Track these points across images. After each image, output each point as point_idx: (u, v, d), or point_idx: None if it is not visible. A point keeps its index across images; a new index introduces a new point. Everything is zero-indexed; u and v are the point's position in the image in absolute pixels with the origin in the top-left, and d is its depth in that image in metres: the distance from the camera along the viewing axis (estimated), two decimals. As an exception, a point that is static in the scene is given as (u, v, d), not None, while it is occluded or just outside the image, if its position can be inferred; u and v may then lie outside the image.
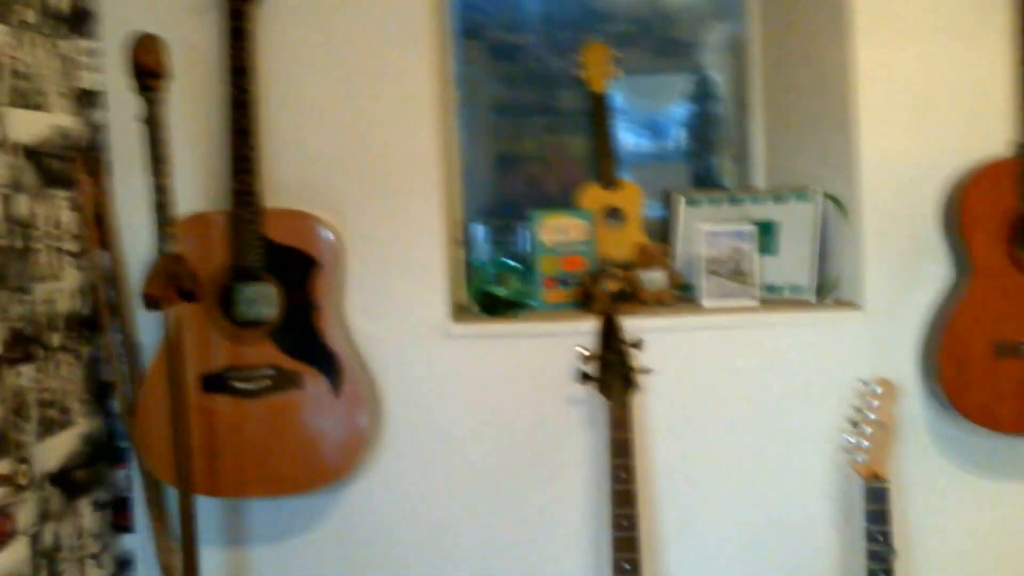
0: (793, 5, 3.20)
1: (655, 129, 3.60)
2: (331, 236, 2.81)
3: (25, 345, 2.62)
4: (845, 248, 2.97)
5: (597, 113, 3.33)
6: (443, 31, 3.19)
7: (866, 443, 2.70)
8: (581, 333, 2.87)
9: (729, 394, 2.93)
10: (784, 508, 2.95)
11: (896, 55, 2.84)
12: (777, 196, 3.09)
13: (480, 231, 3.37)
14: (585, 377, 2.77)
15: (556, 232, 3.09)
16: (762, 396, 2.93)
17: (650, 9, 3.52)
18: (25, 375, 2.60)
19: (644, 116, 3.58)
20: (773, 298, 3.06)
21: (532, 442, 2.95)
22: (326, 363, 2.79)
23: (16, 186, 2.59)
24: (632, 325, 2.86)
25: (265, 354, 2.79)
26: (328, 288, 2.80)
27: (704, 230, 3.04)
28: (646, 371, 2.83)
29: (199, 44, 2.91)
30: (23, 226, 2.62)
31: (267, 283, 2.80)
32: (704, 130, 3.59)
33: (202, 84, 2.92)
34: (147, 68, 2.35)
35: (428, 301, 2.94)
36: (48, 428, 2.70)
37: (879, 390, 2.72)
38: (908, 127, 2.85)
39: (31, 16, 2.69)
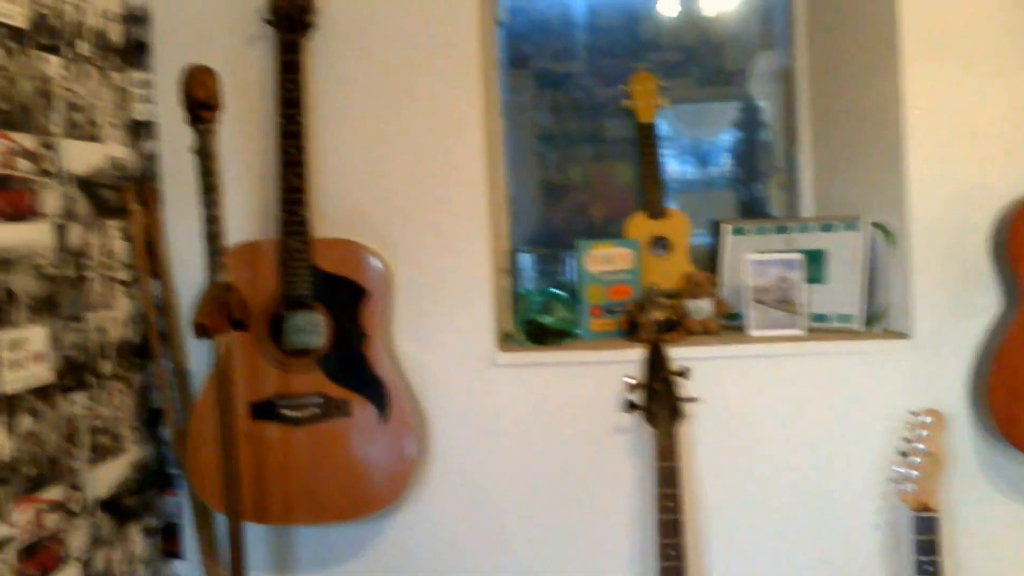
0: (841, 34, 3.20)
1: (702, 157, 3.59)
2: (379, 265, 2.82)
3: (78, 373, 2.65)
4: (894, 277, 2.95)
5: (644, 143, 3.33)
6: (490, 61, 3.21)
7: (915, 473, 2.67)
8: (627, 362, 2.87)
9: (777, 424, 2.92)
10: (832, 539, 2.92)
11: (945, 84, 2.82)
12: (825, 225, 3.08)
13: (526, 260, 3.38)
14: (632, 406, 2.77)
15: (603, 261, 3.09)
16: (810, 426, 2.91)
17: (697, 38, 3.53)
18: (78, 402, 2.64)
19: (691, 144, 3.58)
20: (821, 327, 3.04)
21: (578, 471, 2.95)
22: (374, 391, 2.81)
23: (70, 216, 2.63)
24: (679, 354, 2.85)
25: (314, 382, 2.81)
26: (376, 316, 2.82)
27: (751, 259, 3.03)
28: (693, 400, 2.82)
29: (250, 75, 2.95)
30: (76, 255, 2.66)
31: (316, 312, 2.82)
32: (751, 158, 3.58)
33: (253, 115, 2.95)
34: (200, 100, 2.39)
35: (475, 330, 2.95)
36: (100, 455, 2.73)
37: (928, 420, 2.69)
38: (957, 156, 2.83)
39: (85, 48, 2.74)
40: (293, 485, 2.81)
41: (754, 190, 3.57)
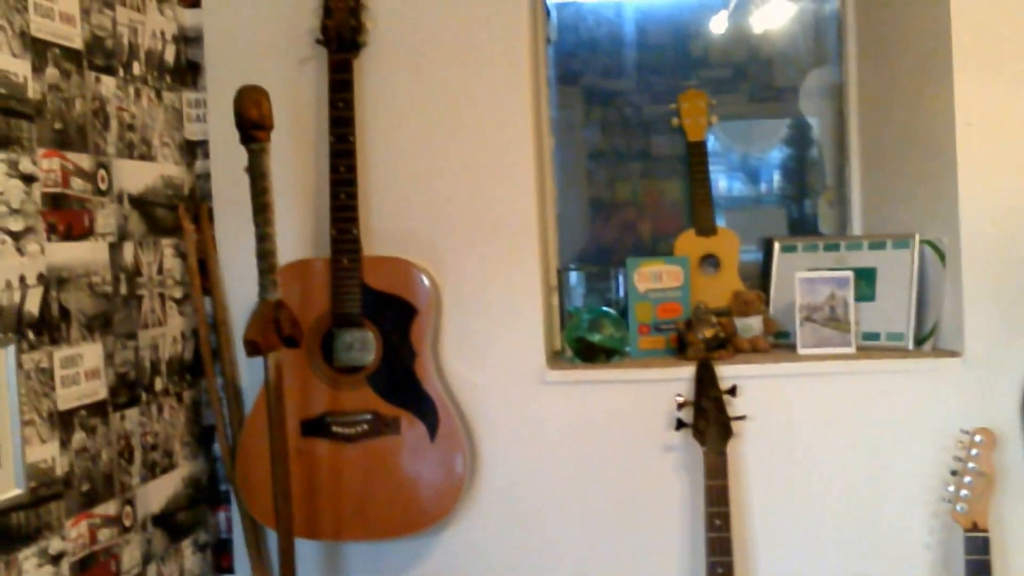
0: (892, 50, 3.18)
1: (751, 173, 3.58)
2: (429, 283, 2.84)
3: (131, 389, 2.69)
4: (944, 295, 2.92)
5: (694, 161, 3.32)
6: (540, 79, 3.22)
7: (966, 492, 2.65)
8: (676, 380, 2.87)
9: (826, 442, 2.89)
10: (883, 558, 2.90)
11: (998, 100, 2.80)
12: (875, 242, 3.06)
13: (575, 277, 3.38)
14: (680, 424, 2.77)
15: (651, 279, 3.09)
16: (860, 444, 2.89)
17: (747, 54, 3.52)
18: (130, 419, 2.67)
19: (740, 161, 3.57)
20: (870, 345, 3.02)
21: (627, 488, 2.94)
22: (423, 408, 2.82)
23: (124, 234, 2.67)
24: (728, 372, 2.84)
25: (363, 399, 2.82)
26: (425, 334, 2.83)
27: (801, 277, 3.02)
28: (742, 418, 2.81)
29: (301, 95, 2.98)
30: (130, 273, 2.69)
31: (366, 329, 2.84)
32: (801, 175, 3.57)
33: (303, 133, 2.98)
34: (252, 120, 2.41)
35: (524, 347, 2.96)
36: (152, 471, 2.77)
37: (979, 439, 2.67)
38: (1009, 172, 2.80)
39: (138, 68, 2.78)
40: (343, 501, 2.83)
41: (803, 207, 3.56)
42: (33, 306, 2.29)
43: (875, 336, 3.01)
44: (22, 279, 2.25)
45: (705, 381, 2.78)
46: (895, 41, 3.15)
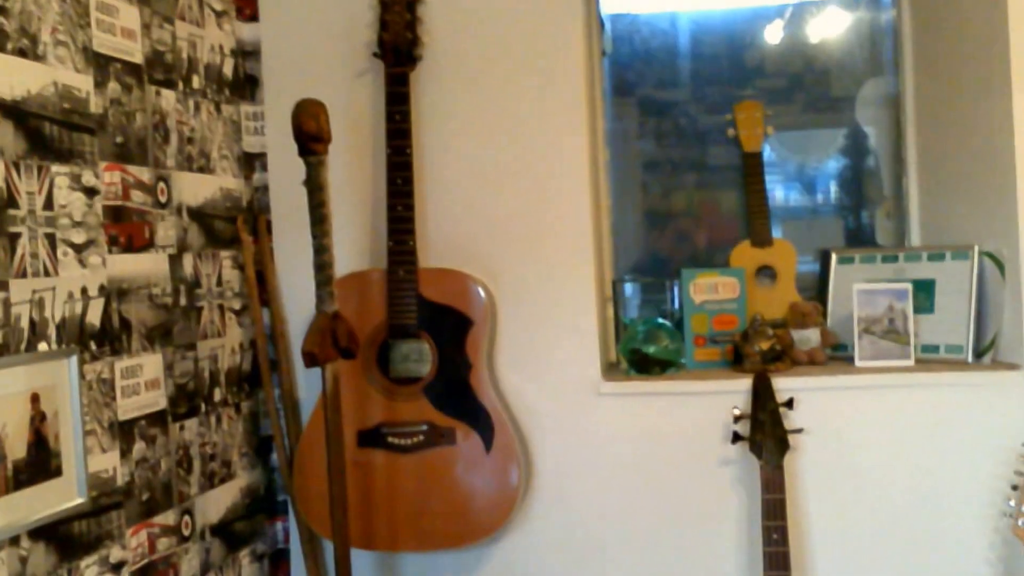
0: (950, 60, 3.15)
1: (807, 184, 3.56)
2: (484, 294, 2.85)
3: (190, 400, 2.71)
4: (1004, 307, 2.89)
5: (750, 172, 3.30)
6: (596, 92, 3.23)
7: (1029, 508, 2.62)
8: (732, 392, 2.85)
9: (884, 455, 2.87)
10: (943, 573, 2.86)
11: (1057, 109, 2.77)
12: (934, 254, 3.03)
13: (630, 288, 3.38)
14: (737, 437, 2.75)
15: (707, 290, 3.07)
16: (918, 458, 2.86)
17: (802, 64, 3.50)
18: (189, 429, 2.70)
19: (796, 171, 3.55)
20: (929, 358, 2.99)
21: (682, 502, 2.93)
22: (478, 419, 2.82)
23: (183, 246, 2.70)
24: (785, 385, 2.83)
25: (419, 410, 2.83)
26: (481, 345, 2.84)
27: (858, 288, 3.00)
28: (799, 431, 2.79)
29: (357, 107, 3.00)
30: (188, 285, 2.72)
31: (422, 340, 2.85)
32: (857, 186, 3.54)
33: (360, 146, 3.00)
34: (310, 133, 2.43)
35: (579, 359, 2.96)
36: (210, 480, 2.79)
37: (1042, 453, 2.64)
38: (1071, 182, 2.77)
39: (197, 82, 2.81)
40: (399, 512, 2.84)
41: (860, 218, 3.53)
42: (95, 317, 2.32)
43: (934, 349, 2.99)
44: (84, 291, 2.28)
45: (762, 393, 2.76)
46: (952, 52, 3.12)
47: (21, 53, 2.12)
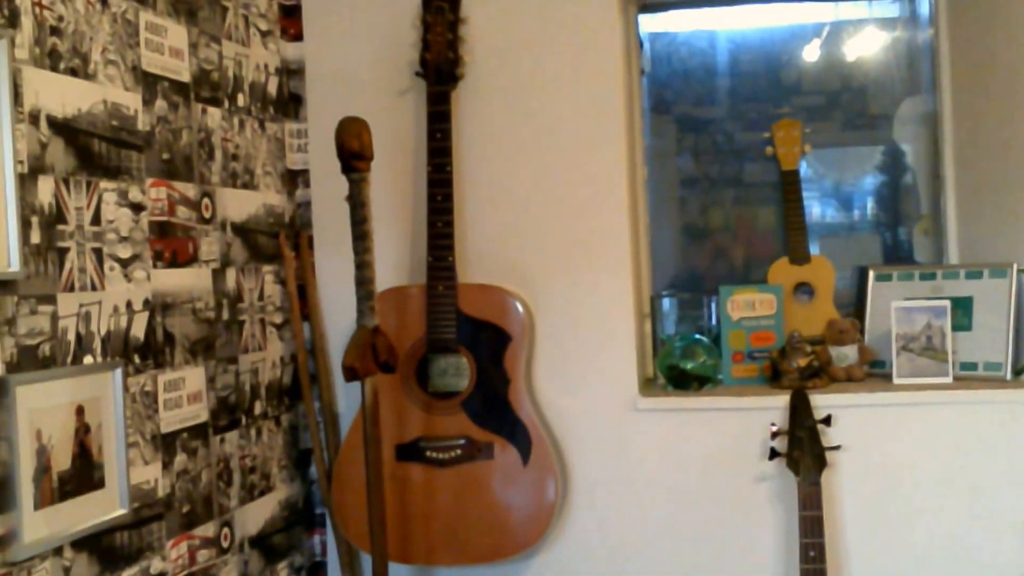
0: (988, 77, 3.15)
1: (844, 200, 3.56)
2: (523, 310, 2.86)
3: (231, 413, 2.74)
4: (1045, 325, 2.89)
5: (788, 189, 3.30)
6: (635, 111, 3.24)
7: (1070, 528, 2.61)
8: (770, 409, 2.85)
9: (923, 473, 2.86)
10: (982, 593, 2.86)
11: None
12: (971, 271, 3.02)
13: (667, 304, 3.38)
14: (774, 453, 2.75)
15: (745, 307, 3.08)
16: (957, 475, 2.84)
17: (840, 83, 3.51)
18: (230, 441, 2.73)
19: (833, 188, 3.55)
20: (968, 376, 2.98)
21: (719, 518, 2.93)
22: (516, 434, 2.84)
23: (226, 261, 2.73)
24: (822, 401, 2.83)
25: (457, 424, 2.85)
26: (519, 360, 2.85)
27: (896, 306, 2.99)
28: (836, 448, 2.79)
29: (399, 125, 3.03)
30: (231, 299, 2.76)
31: (460, 355, 2.87)
32: (895, 203, 3.54)
33: (401, 163, 3.03)
34: (353, 151, 2.47)
35: (617, 374, 2.97)
36: (250, 493, 2.82)
37: (1083, 473, 2.63)
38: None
39: (242, 100, 2.85)
40: (436, 526, 2.86)
41: (897, 234, 3.53)
42: (139, 331, 2.36)
43: (972, 366, 2.98)
44: (129, 304, 2.31)
45: (799, 410, 2.76)
46: (990, 70, 3.12)
47: (73, 72, 2.16)
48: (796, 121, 3.34)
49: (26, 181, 2.02)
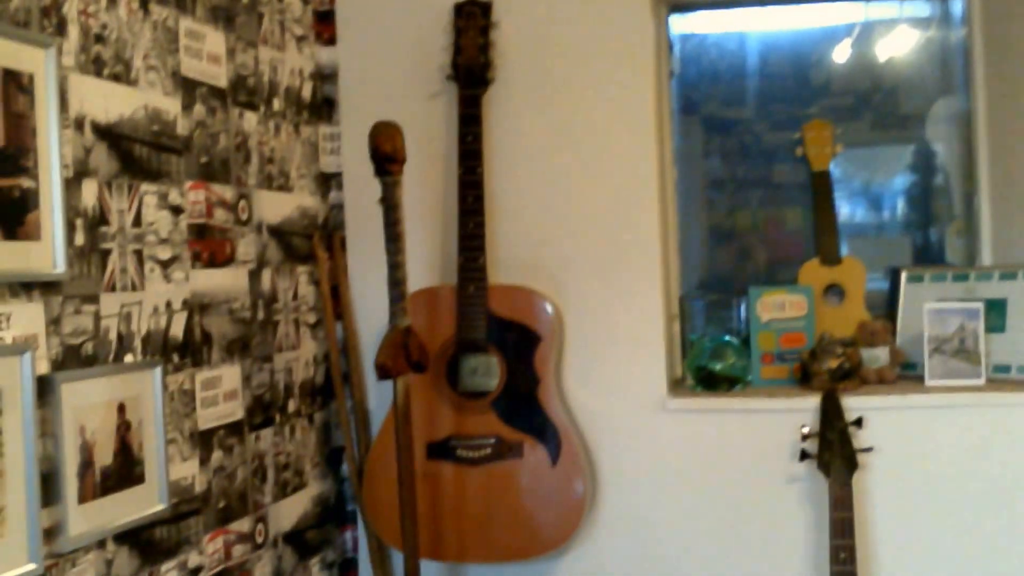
0: (1021, 77, 3.14)
1: (874, 201, 3.56)
2: (552, 310, 2.89)
3: (266, 410, 2.78)
4: (1077, 328, 2.88)
5: (819, 190, 3.29)
6: (664, 112, 3.25)
7: (1100, 531, 2.60)
8: (800, 411, 2.86)
9: (955, 476, 2.85)
10: (1012, 594, 2.85)
11: None
12: (1005, 273, 3.02)
13: (697, 305, 3.39)
14: (805, 455, 2.76)
15: (775, 308, 3.09)
16: (990, 478, 2.84)
17: (870, 83, 3.50)
18: (264, 439, 2.76)
19: (863, 188, 3.55)
20: (1001, 378, 2.97)
21: (748, 519, 2.95)
22: (545, 433, 2.86)
23: (262, 262, 2.77)
24: (853, 403, 2.83)
25: (487, 423, 2.88)
26: (548, 360, 2.87)
27: (928, 307, 2.98)
28: (868, 450, 2.79)
29: (430, 128, 3.06)
30: (266, 299, 2.79)
31: (491, 355, 2.90)
32: (926, 203, 3.53)
33: (432, 165, 3.06)
34: (386, 154, 2.50)
35: (646, 375, 2.99)
36: (283, 489, 2.85)
37: (1113, 476, 2.62)
38: None
39: (278, 104, 2.89)
40: (466, 523, 2.88)
41: (929, 235, 3.52)
42: (178, 330, 2.40)
43: (1006, 369, 2.97)
44: (168, 304, 2.35)
45: (830, 412, 2.77)
46: (1024, 70, 3.12)
47: (116, 78, 2.20)
48: (827, 122, 3.33)
49: (71, 185, 2.06)
